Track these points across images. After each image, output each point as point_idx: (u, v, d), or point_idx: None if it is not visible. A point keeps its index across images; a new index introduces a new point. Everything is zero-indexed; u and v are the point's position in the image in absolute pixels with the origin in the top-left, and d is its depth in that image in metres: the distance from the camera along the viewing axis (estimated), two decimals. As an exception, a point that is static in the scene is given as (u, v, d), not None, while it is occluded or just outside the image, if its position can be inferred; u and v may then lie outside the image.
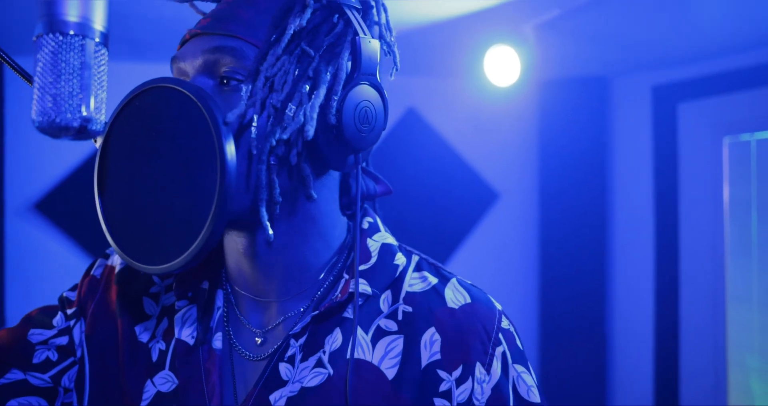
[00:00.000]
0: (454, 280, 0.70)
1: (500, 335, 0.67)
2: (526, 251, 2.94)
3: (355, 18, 0.62)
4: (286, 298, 0.67)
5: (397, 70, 0.72)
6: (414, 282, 0.68)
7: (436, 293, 0.68)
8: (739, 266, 2.31)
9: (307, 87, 0.60)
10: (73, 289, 0.76)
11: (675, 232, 2.54)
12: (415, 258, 0.72)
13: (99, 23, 0.50)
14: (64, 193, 2.35)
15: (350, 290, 0.64)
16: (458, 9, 1.87)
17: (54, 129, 0.47)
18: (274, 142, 0.58)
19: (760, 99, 2.23)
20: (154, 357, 0.67)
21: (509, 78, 2.08)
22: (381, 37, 0.68)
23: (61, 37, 0.48)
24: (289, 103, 0.58)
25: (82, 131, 0.49)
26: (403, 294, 0.67)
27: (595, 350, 2.73)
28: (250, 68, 0.59)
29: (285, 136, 0.58)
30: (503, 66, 2.05)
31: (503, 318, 0.69)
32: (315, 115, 0.58)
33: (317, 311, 0.64)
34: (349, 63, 0.62)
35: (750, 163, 2.31)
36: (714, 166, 2.41)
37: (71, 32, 0.48)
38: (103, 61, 0.50)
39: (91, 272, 0.75)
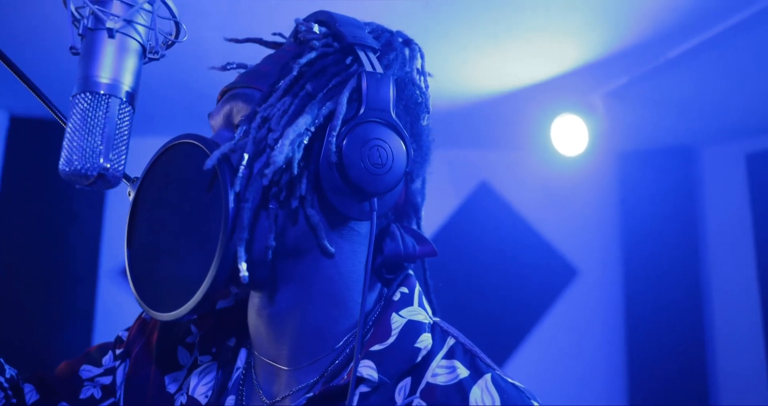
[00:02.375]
0: (488, 376, 0.56)
1: None
2: (609, 333, 2.71)
3: (368, 57, 0.59)
4: (298, 366, 0.60)
5: (428, 114, 0.66)
6: (439, 372, 0.56)
7: (460, 390, 0.55)
8: None
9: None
10: (128, 329, 0.77)
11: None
12: (450, 341, 0.60)
13: (127, 84, 0.55)
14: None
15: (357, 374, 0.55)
16: (524, 80, 1.89)
17: (75, 176, 0.52)
18: (266, 182, 0.55)
19: None
20: None
21: (577, 147, 2.03)
22: (412, 83, 0.64)
23: (91, 96, 0.53)
24: (281, 141, 0.55)
25: (101, 180, 0.53)
26: (422, 385, 0.56)
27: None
28: (249, 110, 0.58)
29: (267, 171, 0.54)
30: (571, 135, 2.01)
31: None
32: (287, 143, 0.54)
33: (311, 394, 0.56)
34: (356, 101, 0.57)
35: None
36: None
37: (101, 92, 0.53)
38: (127, 118, 0.55)
39: (142, 315, 0.76)
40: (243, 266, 0.54)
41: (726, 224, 2.54)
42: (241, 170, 0.54)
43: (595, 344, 2.72)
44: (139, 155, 0.70)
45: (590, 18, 1.49)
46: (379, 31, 0.66)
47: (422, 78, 0.66)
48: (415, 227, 0.71)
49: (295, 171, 0.54)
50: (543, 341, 2.69)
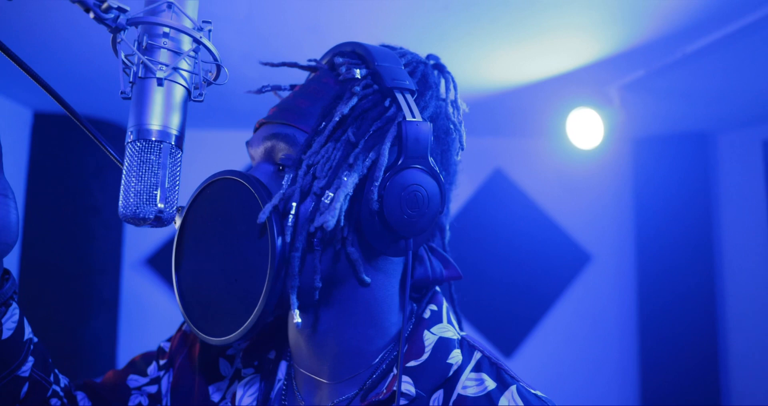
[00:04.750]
0: (514, 387, 0.60)
1: None
2: (622, 317, 2.75)
3: (406, 101, 0.61)
4: (337, 380, 0.65)
5: (462, 149, 0.70)
6: (469, 384, 0.61)
7: (489, 400, 0.60)
8: None
9: (347, 174, 0.59)
10: (169, 340, 0.82)
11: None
12: (476, 355, 0.65)
13: (175, 129, 0.58)
14: (172, 251, 2.59)
15: (394, 389, 0.59)
16: (542, 74, 1.89)
17: (135, 219, 0.55)
18: (312, 229, 0.58)
19: None
20: None
21: (592, 141, 2.03)
22: (447, 117, 0.67)
23: (144, 143, 0.56)
24: (327, 191, 0.58)
25: (158, 221, 0.57)
26: (454, 397, 0.60)
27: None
28: (294, 157, 0.60)
29: (317, 225, 0.57)
30: (586, 129, 2.01)
31: None
32: (338, 206, 0.57)
33: None
34: (396, 148, 0.60)
35: None
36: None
37: (153, 138, 0.56)
38: (178, 160, 0.58)
39: (183, 328, 0.81)
40: (296, 313, 0.58)
41: (741, 211, 2.54)
42: (290, 219, 0.58)
43: (608, 329, 2.76)
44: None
45: (607, 15, 1.49)
46: (414, 64, 0.67)
47: (456, 112, 0.68)
48: (440, 245, 0.76)
49: (342, 222, 0.58)
50: (557, 325, 2.74)
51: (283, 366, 0.71)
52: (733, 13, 1.45)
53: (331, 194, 0.58)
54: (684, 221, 2.59)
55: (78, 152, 2.34)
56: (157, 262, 2.59)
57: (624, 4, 1.43)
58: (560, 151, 2.52)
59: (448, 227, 0.77)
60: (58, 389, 0.75)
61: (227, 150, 2.19)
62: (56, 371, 0.76)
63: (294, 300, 0.58)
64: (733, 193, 2.58)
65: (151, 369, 0.80)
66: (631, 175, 2.77)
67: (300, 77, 0.79)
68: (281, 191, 0.58)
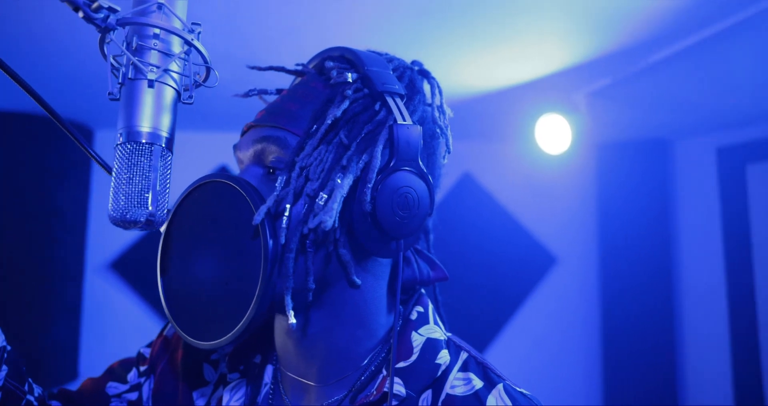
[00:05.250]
0: (501, 386, 0.62)
1: None
2: (586, 317, 2.83)
3: (396, 105, 0.62)
4: (326, 383, 0.65)
5: (449, 153, 0.71)
6: (457, 384, 0.62)
7: (478, 399, 0.61)
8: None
9: (340, 176, 0.59)
10: (149, 345, 0.81)
11: (751, 299, 2.38)
12: (463, 355, 0.66)
13: (165, 131, 0.58)
14: (137, 255, 2.53)
15: (385, 389, 0.60)
16: (512, 79, 1.93)
17: (125, 223, 0.55)
18: (306, 231, 0.58)
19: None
20: None
21: (560, 146, 2.09)
22: (434, 121, 0.68)
23: (135, 145, 0.56)
24: (321, 192, 0.59)
25: (149, 224, 0.56)
26: (443, 396, 0.61)
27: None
28: (287, 159, 0.60)
29: (312, 226, 0.57)
30: (554, 135, 2.07)
31: None
32: (335, 206, 0.58)
33: None
34: (388, 150, 0.61)
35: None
36: (790, 232, 2.28)
37: (143, 140, 0.56)
38: (168, 163, 0.58)
39: (164, 333, 0.80)
40: (291, 314, 0.58)
41: (696, 215, 2.65)
42: (284, 221, 0.58)
43: (572, 328, 2.83)
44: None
45: (576, 25, 1.54)
46: (401, 69, 0.69)
47: (441, 116, 0.69)
48: (425, 247, 0.77)
49: (337, 223, 0.58)
50: (524, 325, 2.79)
51: (269, 370, 0.71)
52: (691, 27, 1.52)
53: (325, 196, 0.59)
54: (644, 225, 2.69)
55: (39, 153, 2.26)
56: (122, 266, 2.53)
57: (592, 15, 1.49)
58: (528, 155, 2.58)
59: (432, 232, 0.79)
60: (32, 399, 0.73)
61: (199, 152, 2.16)
62: (30, 380, 0.74)
63: (289, 301, 0.58)
64: (689, 199, 2.69)
65: (132, 376, 0.78)
66: (595, 180, 2.85)
67: (276, 81, 0.78)
68: (275, 193, 0.58)
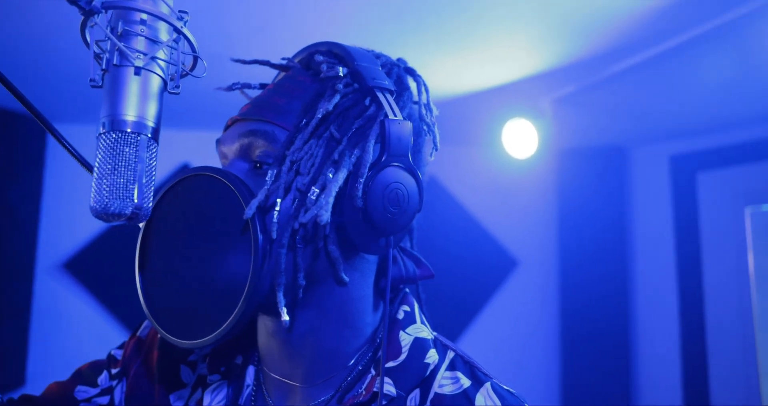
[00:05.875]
0: (488, 384, 0.63)
1: None
2: (546, 319, 2.89)
3: (387, 100, 0.61)
4: (312, 383, 0.64)
5: (436, 150, 0.71)
6: (445, 383, 0.63)
7: (466, 398, 0.61)
8: (769, 339, 2.24)
9: (332, 171, 0.59)
10: (120, 347, 0.77)
11: (700, 302, 2.48)
12: (450, 355, 0.66)
13: (151, 120, 0.55)
14: (92, 255, 2.43)
15: (374, 389, 0.60)
16: (478, 84, 1.96)
17: (108, 216, 0.52)
18: (297, 226, 0.57)
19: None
20: None
21: (527, 150, 2.13)
22: (421, 118, 0.68)
23: (119, 134, 0.53)
24: (313, 187, 0.58)
25: (133, 217, 0.53)
26: (431, 395, 0.61)
27: (620, 426, 2.62)
28: (277, 153, 0.59)
29: (304, 220, 0.56)
30: (521, 139, 2.11)
31: None
32: (330, 200, 0.57)
33: None
34: (379, 146, 0.60)
35: (773, 235, 2.29)
36: (737, 237, 2.38)
37: (128, 129, 0.53)
38: (153, 154, 0.56)
39: (138, 333, 0.76)
40: (284, 311, 0.57)
41: (651, 220, 2.76)
42: (274, 215, 0.57)
43: (533, 330, 2.89)
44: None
45: (544, 31, 1.58)
46: (388, 65, 0.69)
47: (429, 113, 0.69)
48: (409, 245, 0.77)
49: (324, 221, 0.57)
50: (486, 327, 2.83)
51: (251, 371, 0.69)
52: (652, 40, 1.59)
53: (317, 190, 0.58)
54: (602, 230, 2.77)
55: (-12, 147, 2.15)
56: (75, 266, 2.42)
57: (560, 23, 1.53)
58: (493, 160, 2.62)
59: (416, 230, 0.79)
60: None
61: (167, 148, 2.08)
62: None
63: (281, 298, 0.57)
64: (644, 205, 2.79)
65: (102, 379, 0.75)
66: (556, 185, 2.92)
67: (252, 78, 0.76)
68: (266, 187, 0.57)
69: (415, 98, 0.69)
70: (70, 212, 2.41)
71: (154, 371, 0.72)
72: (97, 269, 2.42)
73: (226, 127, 0.67)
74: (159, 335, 0.74)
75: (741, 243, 2.37)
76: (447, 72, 1.86)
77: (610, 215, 2.77)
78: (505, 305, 2.88)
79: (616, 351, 2.67)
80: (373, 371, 0.63)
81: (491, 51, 1.70)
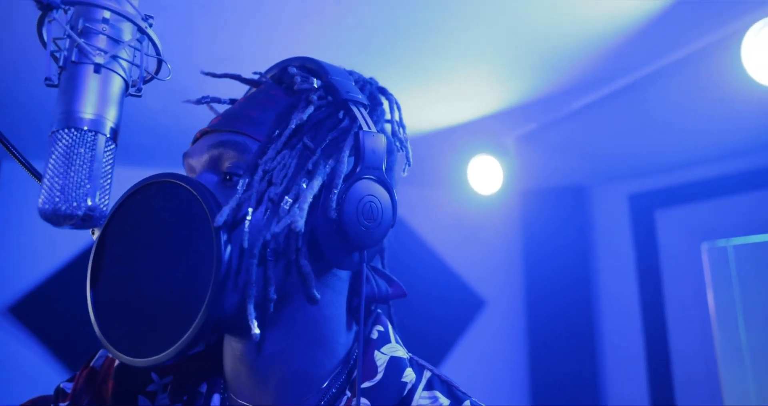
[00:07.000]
0: (467, 403, 0.62)
1: None
2: (514, 358, 2.86)
3: (361, 113, 0.61)
4: None
5: (409, 166, 0.70)
6: (423, 403, 0.61)
7: None
8: (732, 371, 2.26)
9: (306, 181, 0.57)
10: (71, 379, 0.71)
11: (664, 337, 2.51)
12: (426, 374, 0.65)
13: (111, 120, 0.53)
14: (39, 299, 2.29)
15: None
16: (443, 121, 2.00)
17: (58, 217, 0.48)
18: (268, 236, 0.55)
19: (734, 206, 2.33)
20: None
21: (492, 186, 2.16)
22: (394, 134, 0.68)
23: (75, 132, 0.50)
24: (286, 196, 0.56)
25: (86, 220, 0.50)
26: None
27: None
28: (249, 162, 0.57)
29: (278, 230, 0.54)
30: (486, 175, 2.14)
31: None
32: (305, 208, 0.55)
33: None
34: (353, 158, 0.60)
35: (729, 268, 2.35)
36: (696, 272, 2.45)
37: (85, 128, 0.51)
38: (111, 155, 0.53)
39: (91, 364, 0.70)
40: (255, 324, 0.54)
41: (613, 257, 2.80)
42: (246, 225, 0.54)
43: (502, 368, 2.85)
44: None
45: (507, 69, 1.63)
46: (362, 82, 0.68)
47: (402, 129, 0.69)
48: (380, 264, 0.75)
49: (299, 229, 0.55)
50: (456, 366, 2.77)
51: (216, 399, 0.64)
52: (609, 77, 1.66)
53: (290, 200, 0.56)
54: (566, 268, 2.80)
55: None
56: (22, 311, 2.27)
57: (521, 60, 1.58)
58: (459, 199, 2.64)
59: (387, 247, 0.77)
60: None
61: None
62: None
63: (251, 310, 0.54)
64: (606, 242, 2.84)
65: None
66: (520, 224, 2.96)
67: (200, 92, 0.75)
68: (237, 195, 0.55)
69: (388, 116, 0.69)
70: (17, 252, 2.28)
71: (108, 403, 0.66)
72: (45, 313, 2.28)
73: (195, 140, 0.64)
74: (115, 365, 0.69)
75: (699, 276, 2.43)
76: (411, 110, 1.88)
77: (574, 253, 2.81)
78: (474, 345, 2.84)
79: (585, 391, 2.65)
80: (348, 393, 0.60)
81: (455, 87, 1.74)
